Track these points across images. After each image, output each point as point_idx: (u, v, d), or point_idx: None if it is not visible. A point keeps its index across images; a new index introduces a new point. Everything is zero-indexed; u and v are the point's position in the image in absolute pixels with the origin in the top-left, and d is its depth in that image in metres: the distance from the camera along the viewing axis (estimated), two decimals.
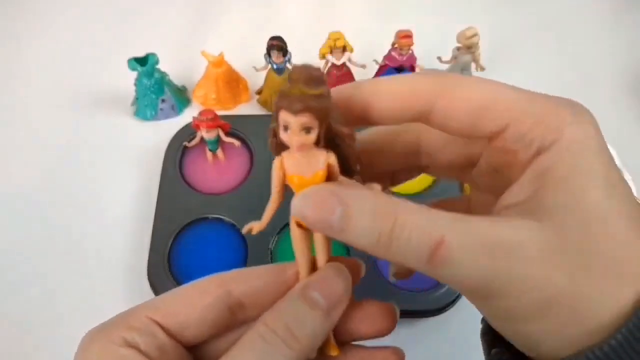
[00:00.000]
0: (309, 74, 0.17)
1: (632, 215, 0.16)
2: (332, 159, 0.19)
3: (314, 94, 0.17)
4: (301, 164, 0.19)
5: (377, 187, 0.18)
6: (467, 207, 0.23)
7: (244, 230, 0.22)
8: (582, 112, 0.18)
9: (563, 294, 0.15)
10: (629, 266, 0.15)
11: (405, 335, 0.47)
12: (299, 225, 0.21)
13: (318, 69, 0.18)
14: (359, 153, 0.20)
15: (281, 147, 0.19)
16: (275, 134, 0.19)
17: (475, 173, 0.21)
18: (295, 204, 0.18)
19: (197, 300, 0.21)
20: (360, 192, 0.17)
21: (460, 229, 0.16)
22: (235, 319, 0.22)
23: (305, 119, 0.17)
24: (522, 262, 0.16)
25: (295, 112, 0.17)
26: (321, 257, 0.22)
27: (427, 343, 0.46)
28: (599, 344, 0.15)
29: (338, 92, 0.19)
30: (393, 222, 0.16)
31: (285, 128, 0.18)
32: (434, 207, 0.17)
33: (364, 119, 0.20)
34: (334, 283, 0.20)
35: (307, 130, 0.18)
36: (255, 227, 0.22)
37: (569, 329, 0.16)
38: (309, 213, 0.18)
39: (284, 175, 0.20)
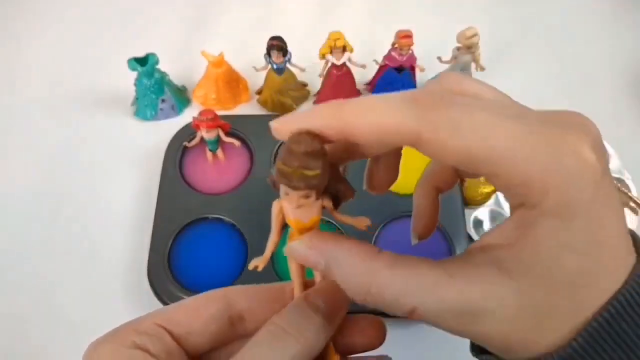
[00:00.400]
0: (307, 150, 0.18)
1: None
2: (327, 202, 0.22)
3: (312, 175, 0.18)
4: (299, 212, 0.21)
5: (365, 221, 0.22)
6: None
7: (250, 267, 0.24)
8: (584, 157, 0.16)
9: (517, 342, 0.17)
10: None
11: (405, 336, 0.47)
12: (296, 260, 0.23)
13: (315, 140, 0.18)
14: (352, 192, 0.22)
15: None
16: (274, 183, 0.20)
17: None
18: (292, 248, 0.21)
19: (201, 310, 0.23)
20: (342, 251, 0.20)
21: (430, 299, 0.18)
22: (235, 332, 0.24)
23: (304, 192, 0.19)
24: (487, 324, 0.17)
25: (295, 189, 0.19)
26: (317, 278, 0.24)
27: (427, 343, 0.46)
28: None
29: (324, 123, 0.18)
30: (367, 289, 0.19)
31: (286, 193, 0.20)
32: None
33: (347, 152, 0.22)
34: (334, 293, 0.22)
35: (306, 197, 0.19)
36: (260, 264, 0.23)
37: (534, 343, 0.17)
38: (300, 260, 0.22)
39: (283, 218, 0.22)
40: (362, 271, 0.19)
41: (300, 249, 0.21)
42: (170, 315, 0.24)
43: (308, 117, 0.19)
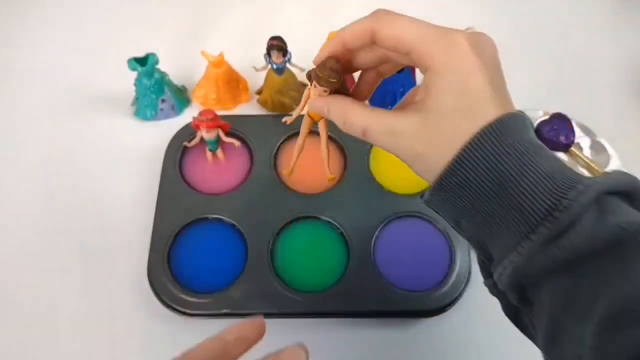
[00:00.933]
0: (331, 67, 0.32)
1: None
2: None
3: (333, 81, 0.32)
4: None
5: (348, 99, 0.32)
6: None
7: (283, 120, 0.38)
8: (457, 41, 0.28)
9: (420, 155, 0.27)
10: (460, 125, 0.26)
11: (405, 335, 0.47)
12: (310, 116, 0.36)
13: (337, 63, 0.32)
14: (349, 93, 0.35)
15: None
16: (310, 78, 0.34)
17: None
18: (311, 102, 0.33)
19: None
20: (336, 101, 0.32)
21: (375, 122, 0.29)
22: None
23: (324, 89, 0.33)
24: (403, 140, 0.28)
25: (321, 86, 0.32)
26: (322, 136, 0.38)
27: (427, 343, 0.46)
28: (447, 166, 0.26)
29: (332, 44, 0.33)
30: (344, 117, 0.31)
31: (314, 86, 0.33)
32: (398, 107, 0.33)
33: (344, 48, 0.33)
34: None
35: (325, 92, 0.33)
36: (288, 120, 0.38)
37: (429, 169, 0.27)
38: (313, 108, 0.33)
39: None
40: (342, 110, 0.31)
41: (315, 101, 0.33)
42: None
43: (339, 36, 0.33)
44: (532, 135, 0.26)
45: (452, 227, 0.29)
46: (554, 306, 0.24)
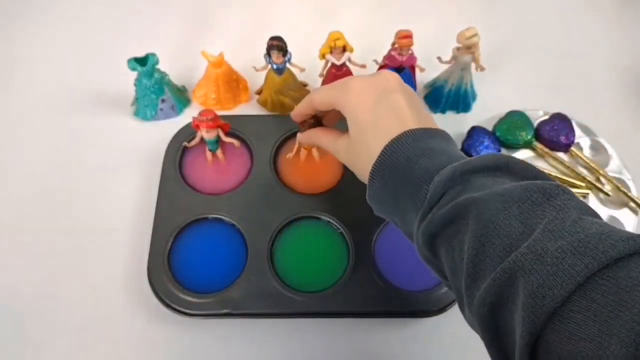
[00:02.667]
0: (310, 124, 0.46)
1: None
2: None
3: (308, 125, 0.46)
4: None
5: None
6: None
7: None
8: (352, 87, 0.39)
9: (350, 162, 0.40)
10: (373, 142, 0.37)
11: (405, 335, 0.47)
12: (305, 148, 0.51)
13: (312, 120, 0.46)
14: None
15: None
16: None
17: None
18: (300, 138, 0.47)
19: None
20: (312, 132, 0.45)
21: (332, 144, 0.42)
22: None
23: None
24: (341, 155, 0.41)
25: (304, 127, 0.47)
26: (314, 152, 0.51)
27: (427, 343, 0.46)
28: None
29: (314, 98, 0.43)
30: (317, 139, 0.45)
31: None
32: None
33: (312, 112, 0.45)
34: None
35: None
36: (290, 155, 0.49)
37: (362, 171, 0.39)
38: (304, 141, 0.47)
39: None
40: (315, 137, 0.45)
41: (302, 136, 0.46)
42: None
43: (302, 103, 0.44)
44: (424, 144, 0.35)
45: (391, 221, 0.39)
46: (448, 250, 0.32)
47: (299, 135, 0.46)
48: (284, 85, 0.55)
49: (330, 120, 0.46)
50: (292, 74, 0.55)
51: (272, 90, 0.55)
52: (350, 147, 0.39)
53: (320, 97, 0.41)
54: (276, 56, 0.52)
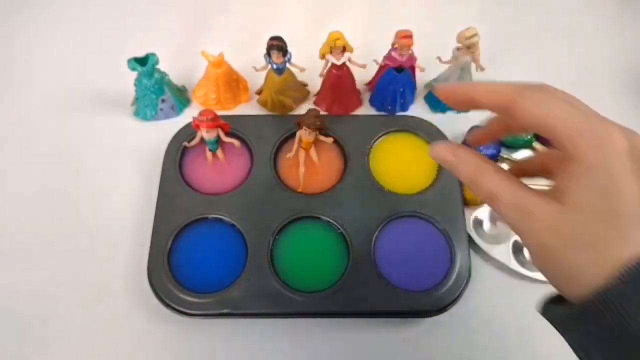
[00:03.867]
0: (314, 114, 0.44)
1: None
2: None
3: (318, 124, 0.46)
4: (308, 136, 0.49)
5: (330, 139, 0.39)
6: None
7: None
8: (613, 137, 0.24)
9: (545, 246, 0.24)
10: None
11: (406, 335, 0.47)
12: (303, 148, 0.47)
13: (317, 110, 0.44)
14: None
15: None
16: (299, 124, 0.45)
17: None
18: (437, 154, 0.29)
19: None
20: (468, 157, 0.28)
21: (509, 193, 0.26)
22: None
23: (312, 132, 0.46)
24: (532, 223, 0.25)
25: (310, 129, 0.46)
26: (302, 157, 0.48)
27: (427, 343, 0.46)
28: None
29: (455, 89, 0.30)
30: (474, 176, 0.27)
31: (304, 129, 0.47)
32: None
33: (471, 104, 0.29)
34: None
35: (312, 133, 0.43)
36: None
37: (550, 262, 0.25)
38: (440, 158, 0.29)
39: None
40: (474, 168, 0.28)
41: (442, 152, 0.29)
42: None
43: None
44: None
45: (579, 356, 0.26)
46: None
47: (438, 151, 0.30)
48: (284, 86, 0.55)
49: (481, 138, 0.34)
50: (292, 74, 0.55)
51: (272, 90, 0.55)
52: (562, 221, 0.24)
53: (531, 110, 0.26)
54: (276, 56, 0.52)
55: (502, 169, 0.28)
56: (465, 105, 0.29)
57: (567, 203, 0.24)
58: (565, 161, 0.25)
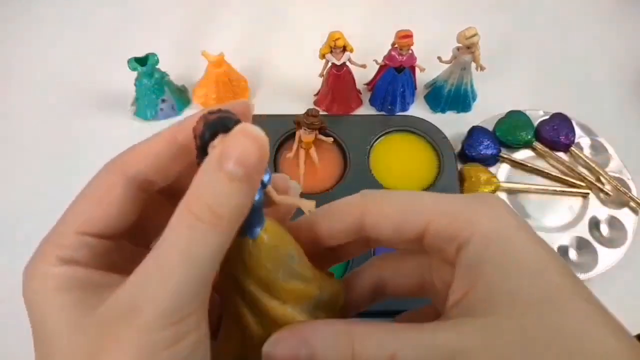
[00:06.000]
0: (312, 113, 0.45)
1: (577, 296, 0.18)
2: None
3: (316, 124, 0.46)
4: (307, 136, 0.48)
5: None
6: (435, 313, 0.23)
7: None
8: (492, 202, 0.20)
9: None
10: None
11: None
12: (304, 148, 0.44)
13: (316, 109, 0.42)
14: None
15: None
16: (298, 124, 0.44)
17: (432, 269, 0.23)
18: (265, 349, 0.21)
19: (107, 198, 0.22)
20: (320, 328, 0.20)
21: (410, 344, 0.19)
22: (153, 191, 0.23)
23: (312, 131, 0.46)
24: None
25: (309, 129, 0.46)
26: (302, 157, 0.46)
27: None
28: None
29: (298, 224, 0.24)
30: (352, 349, 0.19)
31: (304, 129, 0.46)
32: (404, 319, 0.22)
33: (315, 242, 0.23)
34: (247, 149, 0.18)
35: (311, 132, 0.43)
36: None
37: None
38: (277, 355, 0.20)
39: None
40: (342, 332, 0.20)
41: (281, 340, 0.21)
42: (83, 215, 0.22)
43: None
44: None
45: None
46: None
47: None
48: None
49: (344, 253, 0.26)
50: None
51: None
52: (499, 336, 0.18)
53: (383, 211, 0.22)
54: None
55: (386, 322, 0.21)
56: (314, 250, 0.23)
57: (493, 305, 0.18)
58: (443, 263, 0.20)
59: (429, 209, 0.21)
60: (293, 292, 0.22)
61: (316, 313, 0.22)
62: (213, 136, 0.19)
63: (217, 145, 0.19)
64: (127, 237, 0.22)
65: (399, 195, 0.22)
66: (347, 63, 0.54)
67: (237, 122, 0.19)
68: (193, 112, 0.59)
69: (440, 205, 0.21)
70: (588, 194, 0.52)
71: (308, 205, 0.22)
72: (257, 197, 0.20)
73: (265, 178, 0.21)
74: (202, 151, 0.19)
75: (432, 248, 0.21)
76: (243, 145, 0.18)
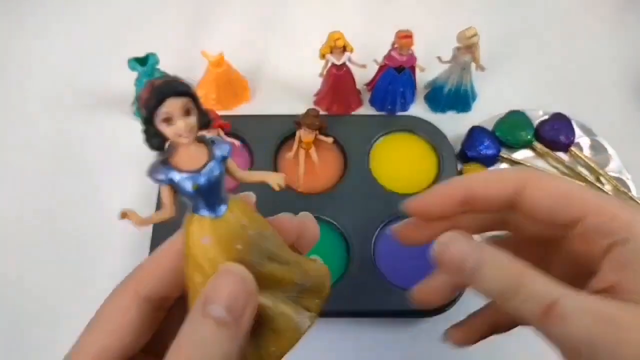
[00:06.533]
0: (313, 113, 0.42)
1: None
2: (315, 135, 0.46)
3: (317, 124, 0.46)
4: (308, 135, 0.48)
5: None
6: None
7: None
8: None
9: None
10: None
11: (405, 335, 0.47)
12: (303, 148, 0.42)
13: (316, 109, 0.41)
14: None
15: None
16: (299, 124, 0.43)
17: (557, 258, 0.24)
18: (441, 240, 0.21)
19: (122, 324, 0.21)
20: (494, 250, 0.20)
21: (573, 296, 0.19)
22: (169, 306, 0.23)
23: (312, 131, 0.45)
24: (629, 334, 0.18)
25: (309, 129, 0.46)
26: (301, 157, 0.44)
27: (426, 343, 0.46)
28: None
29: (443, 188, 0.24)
30: (519, 280, 0.19)
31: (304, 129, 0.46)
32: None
33: (465, 204, 0.24)
34: (232, 289, 0.18)
35: (312, 132, 0.43)
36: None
37: None
38: (447, 256, 0.21)
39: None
40: (513, 269, 0.20)
41: (457, 241, 0.21)
42: (96, 342, 0.21)
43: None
44: None
45: None
46: None
47: (449, 246, 0.21)
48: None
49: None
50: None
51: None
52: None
53: (542, 192, 0.22)
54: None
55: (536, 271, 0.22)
56: (452, 212, 0.24)
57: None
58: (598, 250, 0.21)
59: (591, 202, 0.21)
60: (271, 276, 0.20)
61: (301, 301, 0.21)
62: (159, 102, 0.18)
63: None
64: (144, 349, 0.22)
65: (562, 179, 0.23)
66: (347, 63, 0.54)
67: (187, 86, 0.18)
68: None
69: (600, 201, 0.21)
70: None
71: (276, 178, 0.21)
72: (217, 171, 0.19)
73: (225, 150, 0.19)
74: (149, 123, 0.19)
75: (579, 236, 0.21)
76: (230, 288, 0.18)
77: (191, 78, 0.60)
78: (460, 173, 0.52)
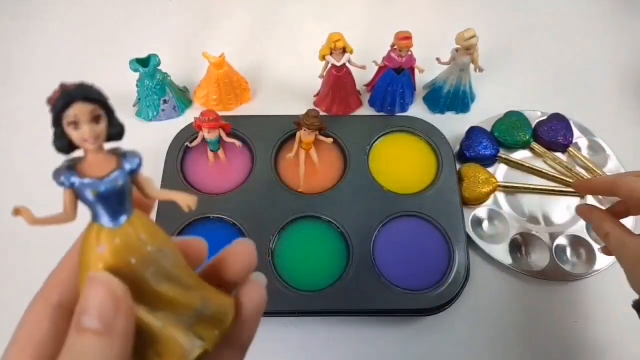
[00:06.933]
0: (313, 114, 0.46)
1: None
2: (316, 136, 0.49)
3: (317, 124, 0.48)
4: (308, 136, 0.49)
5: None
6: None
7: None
8: None
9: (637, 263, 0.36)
10: None
11: (404, 334, 0.47)
12: (303, 148, 0.46)
13: (316, 111, 0.45)
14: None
15: None
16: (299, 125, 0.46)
17: None
18: (582, 212, 0.44)
19: (35, 332, 0.21)
20: (598, 212, 0.42)
21: (617, 232, 0.38)
22: None
23: (312, 131, 0.48)
24: (628, 250, 0.36)
25: (310, 129, 0.48)
26: (302, 157, 0.48)
27: (426, 341, 0.47)
28: None
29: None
30: (601, 222, 0.40)
31: (304, 130, 0.48)
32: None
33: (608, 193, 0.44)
34: (101, 297, 0.18)
35: (312, 132, 0.46)
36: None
37: None
38: (582, 214, 0.45)
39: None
40: (602, 218, 0.40)
41: (584, 211, 0.43)
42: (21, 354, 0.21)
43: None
44: None
45: None
46: None
47: (582, 211, 0.44)
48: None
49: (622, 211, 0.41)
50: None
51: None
52: None
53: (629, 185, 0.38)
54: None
55: (613, 218, 0.39)
56: (604, 193, 0.46)
57: None
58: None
59: None
60: (166, 296, 0.19)
61: (196, 329, 0.20)
62: (67, 105, 0.18)
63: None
64: None
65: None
66: (347, 64, 0.54)
67: (100, 94, 0.18)
68: (195, 112, 0.60)
69: None
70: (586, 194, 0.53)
71: (187, 199, 0.21)
72: (121, 181, 0.19)
73: (135, 164, 0.20)
74: (56, 124, 0.19)
75: None
76: (98, 297, 0.18)
77: (193, 79, 0.60)
78: (459, 173, 0.52)
